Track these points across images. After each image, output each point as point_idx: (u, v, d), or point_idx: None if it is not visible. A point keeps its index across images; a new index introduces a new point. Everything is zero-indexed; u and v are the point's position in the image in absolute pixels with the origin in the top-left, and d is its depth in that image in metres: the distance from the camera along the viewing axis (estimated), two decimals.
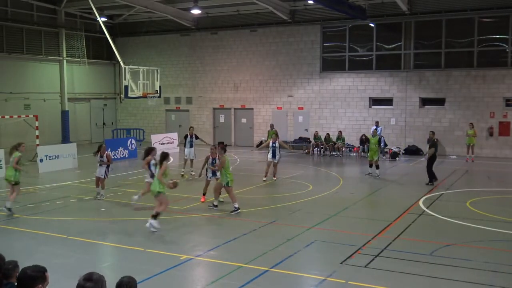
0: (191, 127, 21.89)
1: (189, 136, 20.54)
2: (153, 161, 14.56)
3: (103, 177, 15.68)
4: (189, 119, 34.25)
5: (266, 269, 9.07)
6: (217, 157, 14.45)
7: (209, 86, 33.60)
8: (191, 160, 20.41)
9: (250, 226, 12.14)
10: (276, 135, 21.33)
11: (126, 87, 23.68)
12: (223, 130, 33.11)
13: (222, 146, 14.32)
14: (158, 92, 26.00)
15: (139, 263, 9.55)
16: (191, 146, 20.40)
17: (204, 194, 15.11)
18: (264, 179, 18.72)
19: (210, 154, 14.65)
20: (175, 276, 8.97)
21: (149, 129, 34.43)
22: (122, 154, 25.30)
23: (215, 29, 32.90)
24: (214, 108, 33.61)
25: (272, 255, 9.91)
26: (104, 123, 35.96)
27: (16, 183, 13.51)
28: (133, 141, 26.74)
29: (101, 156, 15.72)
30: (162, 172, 11.96)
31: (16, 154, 13.45)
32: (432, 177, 18.20)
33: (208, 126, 33.77)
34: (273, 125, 27.12)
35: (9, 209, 13.41)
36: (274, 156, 18.71)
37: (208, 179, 14.96)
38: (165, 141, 28.90)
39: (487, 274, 8.89)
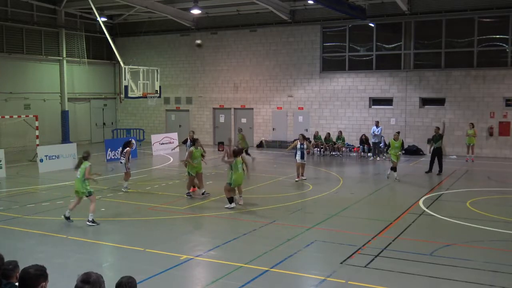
0: (191, 131, 21.26)
1: (188, 140, 20.39)
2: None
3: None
4: (189, 119, 34.26)
5: (266, 269, 9.07)
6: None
7: (209, 86, 33.60)
8: None
9: (250, 226, 12.14)
10: (243, 140, 21.48)
11: (126, 87, 23.69)
12: (223, 130, 33.08)
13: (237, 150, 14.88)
14: (158, 92, 26.01)
15: (139, 263, 9.56)
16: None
17: (194, 186, 16.19)
18: (297, 179, 18.90)
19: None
20: (175, 276, 8.97)
21: (149, 129, 34.43)
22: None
23: (215, 29, 32.90)
24: (214, 108, 33.61)
25: (272, 255, 9.91)
26: (104, 123, 35.95)
27: (90, 194, 12.49)
28: (133, 141, 26.68)
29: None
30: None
31: (86, 163, 12.35)
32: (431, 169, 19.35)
33: (208, 126, 33.77)
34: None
35: (93, 221, 12.33)
36: (302, 157, 18.97)
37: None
38: (165, 141, 28.91)
39: (487, 274, 8.89)
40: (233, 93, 32.77)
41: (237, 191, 14.67)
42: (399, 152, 19.86)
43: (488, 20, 26.37)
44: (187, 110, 34.48)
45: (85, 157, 12.54)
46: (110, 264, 9.86)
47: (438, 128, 21.15)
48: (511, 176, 20.75)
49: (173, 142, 29.22)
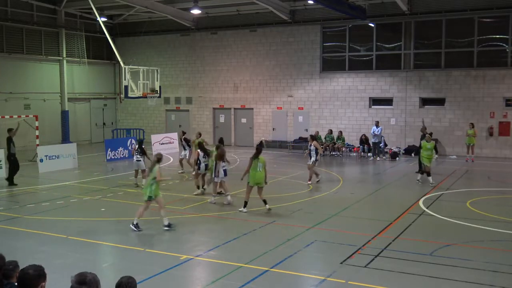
0: (198, 132, 20.70)
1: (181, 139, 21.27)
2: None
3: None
4: (189, 119, 34.26)
5: (266, 269, 9.07)
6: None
7: (209, 86, 33.61)
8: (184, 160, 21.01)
9: (250, 226, 12.14)
10: (200, 146, 17.29)
11: (126, 87, 23.70)
12: (223, 130, 33.08)
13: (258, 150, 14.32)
14: (158, 92, 26.00)
15: (139, 263, 9.55)
16: (184, 149, 21.08)
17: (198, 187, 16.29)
18: (309, 182, 18.37)
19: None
20: (175, 276, 8.97)
21: (149, 129, 34.43)
22: (122, 154, 25.28)
23: (215, 29, 32.90)
24: (214, 108, 33.61)
25: (272, 255, 9.91)
26: (104, 123, 35.96)
27: (149, 199, 12.05)
28: (133, 141, 26.67)
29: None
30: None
31: (157, 167, 12.10)
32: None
33: (208, 126, 33.77)
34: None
35: (169, 225, 11.94)
36: (310, 158, 18.64)
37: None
38: (165, 141, 28.91)
39: (487, 274, 8.89)
40: (233, 93, 32.77)
41: (259, 196, 13.94)
42: (435, 156, 18.71)
43: (488, 20, 26.37)
44: (187, 110, 34.49)
45: (158, 160, 12.30)
46: (110, 264, 9.86)
47: (425, 128, 21.28)
48: (511, 176, 20.74)
49: (173, 142, 29.22)
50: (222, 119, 33.48)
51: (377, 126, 26.27)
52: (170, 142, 29.07)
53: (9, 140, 18.16)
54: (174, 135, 29.82)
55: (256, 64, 31.92)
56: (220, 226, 12.64)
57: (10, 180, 17.91)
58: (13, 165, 18.07)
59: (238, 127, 32.97)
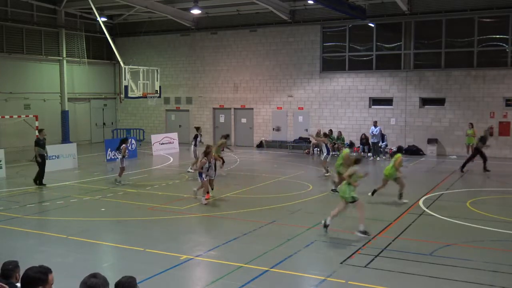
0: (225, 135, 21.59)
1: (199, 136, 22.11)
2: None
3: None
4: (189, 119, 34.26)
5: (266, 269, 9.07)
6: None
7: (209, 86, 33.61)
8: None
9: (250, 226, 12.14)
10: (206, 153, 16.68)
11: (126, 87, 23.70)
12: (223, 130, 32.98)
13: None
14: (158, 92, 26.01)
15: (139, 263, 9.56)
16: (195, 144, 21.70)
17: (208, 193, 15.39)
18: (327, 174, 19.93)
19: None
20: (175, 276, 8.97)
21: (149, 129, 34.43)
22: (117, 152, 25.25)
23: (215, 29, 32.90)
24: (214, 108, 33.62)
25: (272, 255, 9.91)
26: (104, 123, 35.95)
27: (354, 200, 11.47)
28: (133, 141, 26.74)
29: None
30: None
31: (354, 168, 11.68)
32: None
33: (208, 126, 33.77)
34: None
35: (365, 232, 11.23)
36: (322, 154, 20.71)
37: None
38: (165, 141, 28.92)
39: (487, 274, 8.89)
40: (233, 93, 32.77)
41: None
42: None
43: (488, 20, 26.37)
44: (187, 110, 34.49)
45: (357, 161, 12.17)
46: (110, 264, 9.86)
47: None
48: (511, 176, 20.74)
49: (173, 142, 29.21)
50: (222, 119, 33.48)
51: (375, 126, 26.28)
52: (170, 142, 29.07)
53: (38, 142, 18.12)
54: (174, 135, 29.83)
55: (256, 64, 31.93)
56: (220, 226, 12.64)
57: (38, 181, 17.77)
58: (41, 167, 17.92)
59: (238, 127, 32.97)
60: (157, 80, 25.95)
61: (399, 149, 17.16)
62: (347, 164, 13.44)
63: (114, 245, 10.93)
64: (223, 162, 20.35)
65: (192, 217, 13.38)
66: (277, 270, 9.08)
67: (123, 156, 18.11)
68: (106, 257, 10.45)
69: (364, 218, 11.41)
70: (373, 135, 25.89)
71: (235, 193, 16.30)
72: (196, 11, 28.53)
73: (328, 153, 20.30)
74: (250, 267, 9.17)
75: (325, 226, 11.46)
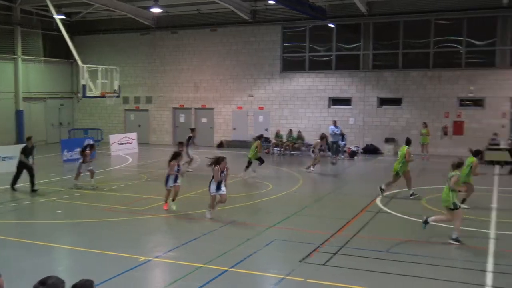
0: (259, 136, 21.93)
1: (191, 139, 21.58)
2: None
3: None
4: (149, 119, 33.91)
5: (226, 269, 9.06)
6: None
7: (169, 86, 33.33)
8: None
9: (210, 226, 12.10)
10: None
11: (84, 86, 23.30)
12: (184, 130, 32.86)
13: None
14: (117, 91, 25.65)
15: (96, 266, 9.39)
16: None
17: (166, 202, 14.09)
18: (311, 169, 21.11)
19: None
20: (133, 278, 8.85)
21: (108, 129, 33.84)
22: (79, 155, 24.71)
23: (175, 28, 32.65)
24: (174, 108, 33.36)
25: (232, 254, 9.91)
26: (60, 123, 35.16)
27: (455, 208, 10.89)
28: (91, 142, 26.19)
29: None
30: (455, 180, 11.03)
31: (455, 172, 11.17)
32: None
33: (168, 126, 33.50)
34: (259, 137, 21.88)
35: (457, 240, 10.77)
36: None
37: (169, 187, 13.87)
38: (124, 141, 28.52)
39: (442, 269, 9.12)
40: (194, 92, 32.61)
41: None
42: None
43: (443, 22, 27.09)
44: (147, 110, 34.11)
45: (458, 165, 11.38)
46: (66, 268, 9.65)
47: None
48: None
49: (131, 142, 28.82)
50: (182, 119, 33.27)
51: (335, 125, 26.64)
52: (129, 142, 28.69)
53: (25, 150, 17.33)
54: (133, 135, 29.47)
55: (216, 63, 31.85)
56: (179, 227, 12.55)
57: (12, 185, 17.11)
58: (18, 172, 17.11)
59: (199, 127, 32.79)
60: (116, 80, 25.59)
61: (407, 142, 16.53)
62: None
63: (71, 248, 10.70)
64: (191, 160, 20.67)
65: (151, 218, 13.23)
66: (236, 270, 9.09)
67: (83, 162, 17.60)
68: (62, 260, 10.23)
69: (460, 227, 10.91)
70: (335, 134, 26.24)
71: (195, 193, 16.22)
72: (156, 10, 28.19)
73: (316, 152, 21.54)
74: (210, 267, 9.14)
75: (456, 240, 10.81)
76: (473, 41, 26.63)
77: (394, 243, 10.70)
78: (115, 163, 24.44)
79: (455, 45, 26.95)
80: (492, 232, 11.59)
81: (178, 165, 13.94)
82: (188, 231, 11.88)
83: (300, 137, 28.28)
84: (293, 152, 27.98)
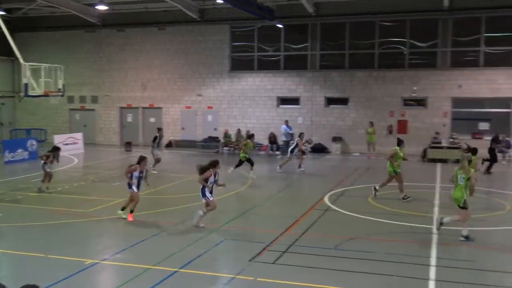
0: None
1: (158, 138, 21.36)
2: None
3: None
4: (95, 118, 33.16)
5: (175, 270, 8.98)
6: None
7: (116, 85, 32.71)
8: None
9: (159, 227, 11.96)
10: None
11: (26, 85, 22.50)
12: (131, 130, 32.40)
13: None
14: (62, 90, 24.94)
15: (41, 270, 9.09)
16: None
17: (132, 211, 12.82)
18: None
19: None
20: (79, 282, 8.63)
21: (52, 129, 32.84)
22: (21, 156, 23.96)
23: (122, 26, 32.07)
24: (121, 108, 32.77)
25: (181, 255, 9.83)
26: (1, 123, 33.85)
27: (464, 206, 10.94)
28: (34, 142, 25.39)
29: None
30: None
31: (472, 170, 11.09)
32: None
33: (115, 126, 32.87)
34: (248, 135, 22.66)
35: (467, 237, 10.90)
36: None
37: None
38: (69, 142, 27.74)
39: (388, 265, 9.36)
40: (141, 92, 32.13)
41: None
42: None
43: (387, 24, 27.82)
44: (93, 110, 33.34)
45: (469, 163, 11.32)
46: (8, 273, 9.29)
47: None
48: (409, 172, 21.98)
49: (77, 143, 28.10)
50: (129, 119, 32.73)
51: (287, 125, 26.93)
52: (74, 143, 27.95)
53: None
54: (79, 135, 28.75)
55: (164, 62, 31.51)
56: (128, 228, 12.32)
57: None
58: None
59: (146, 127, 32.37)
60: (60, 78, 24.86)
61: (398, 143, 15.94)
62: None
63: (13, 252, 10.30)
64: (158, 161, 20.57)
65: (98, 220, 12.94)
66: (186, 271, 9.02)
67: (45, 163, 16.83)
68: (3, 265, 9.84)
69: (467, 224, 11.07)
70: (288, 133, 26.55)
71: (143, 193, 15.96)
72: (101, 7, 27.59)
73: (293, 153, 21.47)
74: (159, 269, 9.03)
75: (466, 237, 10.94)
76: (416, 42, 27.49)
77: (342, 240, 10.90)
78: (60, 164, 23.69)
79: (399, 46, 27.73)
80: (435, 227, 11.98)
81: (141, 171, 12.68)
82: (137, 232, 11.69)
83: (248, 136, 28.32)
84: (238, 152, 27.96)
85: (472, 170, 11.00)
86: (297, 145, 21.66)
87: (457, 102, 27.05)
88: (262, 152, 28.25)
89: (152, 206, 14.21)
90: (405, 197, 15.13)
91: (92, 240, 11.19)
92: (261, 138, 29.15)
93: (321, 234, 11.58)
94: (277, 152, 27.36)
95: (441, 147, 25.21)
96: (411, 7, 26.65)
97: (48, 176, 16.66)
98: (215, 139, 29.95)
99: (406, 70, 27.46)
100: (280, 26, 29.13)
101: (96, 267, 9.29)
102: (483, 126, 26.80)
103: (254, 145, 21.30)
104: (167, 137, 31.48)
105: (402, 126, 27.58)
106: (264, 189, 17.53)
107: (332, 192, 16.53)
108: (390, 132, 27.66)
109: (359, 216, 13.19)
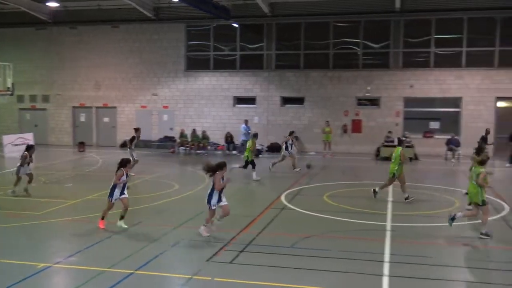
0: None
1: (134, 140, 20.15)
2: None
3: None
4: (47, 118, 32.31)
5: (131, 271, 8.85)
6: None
7: (69, 84, 31.98)
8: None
9: (114, 229, 11.75)
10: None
11: None
12: (84, 130, 31.76)
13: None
14: (11, 89, 24.20)
15: None
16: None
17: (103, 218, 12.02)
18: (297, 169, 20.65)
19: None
20: (31, 287, 8.39)
21: (1, 129, 31.76)
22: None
23: (74, 24, 31.36)
24: (74, 107, 32.07)
25: (138, 257, 9.70)
26: None
27: (483, 204, 11.07)
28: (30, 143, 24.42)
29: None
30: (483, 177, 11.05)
31: (482, 169, 11.12)
32: None
33: (67, 126, 32.14)
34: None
35: (487, 234, 11.00)
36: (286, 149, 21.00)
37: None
38: (18, 142, 26.89)
39: (343, 262, 9.51)
40: (95, 91, 31.53)
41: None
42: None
43: (342, 24, 28.27)
44: (44, 109, 32.49)
45: (482, 162, 11.27)
46: None
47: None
48: (362, 170, 22.48)
49: (28, 143, 27.23)
50: (83, 118, 32.07)
51: (246, 124, 27.01)
52: (24, 143, 26.98)
53: None
54: (29, 136, 27.91)
55: (119, 61, 31.02)
56: (81, 231, 12.05)
57: None
58: None
59: (100, 127, 31.81)
60: (9, 77, 24.13)
61: (399, 142, 15.91)
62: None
63: None
64: (136, 163, 19.64)
65: (50, 223, 12.61)
66: (142, 272, 8.90)
67: (21, 165, 16.06)
68: None
69: (487, 222, 11.22)
70: (247, 133, 26.65)
71: (98, 195, 15.66)
72: (52, 4, 26.95)
73: (288, 151, 20.90)
74: (114, 271, 8.88)
75: (486, 234, 11.06)
76: (369, 43, 28.04)
77: (298, 238, 11.00)
78: (10, 165, 22.95)
79: (353, 47, 28.22)
80: (389, 225, 12.26)
81: (127, 174, 11.96)
82: (91, 234, 11.46)
83: (205, 136, 28.28)
84: (199, 151, 27.91)
85: (481, 169, 11.16)
86: (287, 143, 21.04)
87: (409, 101, 27.77)
88: (219, 152, 28.21)
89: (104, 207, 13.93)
90: (407, 198, 14.81)
91: (44, 243, 10.90)
92: (218, 138, 29.11)
93: (278, 233, 11.66)
94: (234, 152, 27.38)
95: (394, 146, 25.74)
96: (364, 8, 27.18)
97: (19, 180, 15.88)
98: (171, 139, 29.70)
99: (360, 70, 27.98)
100: (236, 25, 29.16)
101: (48, 271, 9.05)
102: (434, 125, 27.63)
103: (255, 145, 20.37)
104: (121, 137, 31.01)
105: (356, 126, 28.11)
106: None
107: (289, 191, 16.66)
108: (345, 131, 28.13)
109: (315, 214, 13.34)
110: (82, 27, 31.43)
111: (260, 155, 26.83)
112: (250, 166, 19.13)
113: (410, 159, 24.92)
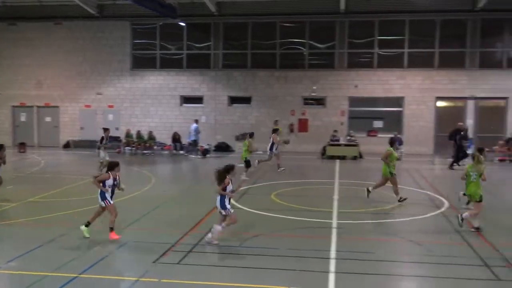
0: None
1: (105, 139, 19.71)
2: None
3: None
4: None
5: (75, 275, 8.61)
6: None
7: (8, 82, 30.81)
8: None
9: (57, 232, 11.41)
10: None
11: None
12: (25, 130, 30.70)
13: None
14: None
15: None
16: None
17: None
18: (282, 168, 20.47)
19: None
20: None
21: None
22: None
23: (13, 20, 30.24)
24: (13, 106, 30.95)
25: (82, 260, 9.45)
26: None
27: (481, 200, 11.41)
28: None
29: None
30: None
31: (483, 167, 11.48)
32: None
33: (7, 126, 30.97)
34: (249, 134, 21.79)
35: (478, 228, 11.40)
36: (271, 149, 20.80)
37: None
38: None
39: (291, 260, 9.60)
40: (37, 90, 30.53)
41: None
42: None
43: (288, 25, 28.57)
44: None
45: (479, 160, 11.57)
46: None
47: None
48: (309, 169, 22.80)
49: None
50: (23, 118, 31.01)
51: (196, 123, 26.89)
52: None
53: None
54: None
55: (62, 59, 30.17)
56: (22, 234, 11.64)
57: None
58: None
59: (42, 127, 30.85)
60: None
61: (391, 143, 14.96)
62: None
63: None
64: (102, 163, 19.05)
65: None
66: (87, 276, 8.68)
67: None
68: None
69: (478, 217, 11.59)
70: (197, 133, 26.54)
71: (40, 197, 15.18)
72: None
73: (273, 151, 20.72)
74: (57, 275, 8.62)
75: (477, 228, 11.41)
76: (315, 44, 28.46)
77: (246, 237, 11.02)
78: None
79: (299, 47, 28.57)
80: (335, 222, 12.47)
81: (115, 178, 11.20)
82: (32, 238, 11.07)
83: (151, 137, 27.92)
84: (145, 152, 27.52)
85: (483, 168, 11.50)
86: (273, 142, 20.80)
87: (354, 101, 28.39)
88: (166, 152, 27.92)
89: (50, 209, 13.53)
90: (401, 199, 14.69)
91: None
92: (164, 138, 28.79)
93: (226, 232, 11.63)
94: (181, 152, 27.16)
95: (339, 145, 26.31)
96: (310, 9, 27.57)
97: None
98: (117, 139, 29.12)
99: (306, 70, 28.36)
100: (182, 24, 28.94)
101: None
102: (377, 124, 28.35)
103: (251, 145, 20.11)
104: (64, 137, 30.19)
105: (303, 125, 28.48)
106: (168, 189, 17.32)
107: (238, 190, 16.65)
108: (292, 130, 28.44)
109: (263, 213, 13.42)
110: (23, 24, 30.36)
111: (208, 155, 26.73)
112: (243, 164, 19.12)
113: (355, 157, 25.51)
